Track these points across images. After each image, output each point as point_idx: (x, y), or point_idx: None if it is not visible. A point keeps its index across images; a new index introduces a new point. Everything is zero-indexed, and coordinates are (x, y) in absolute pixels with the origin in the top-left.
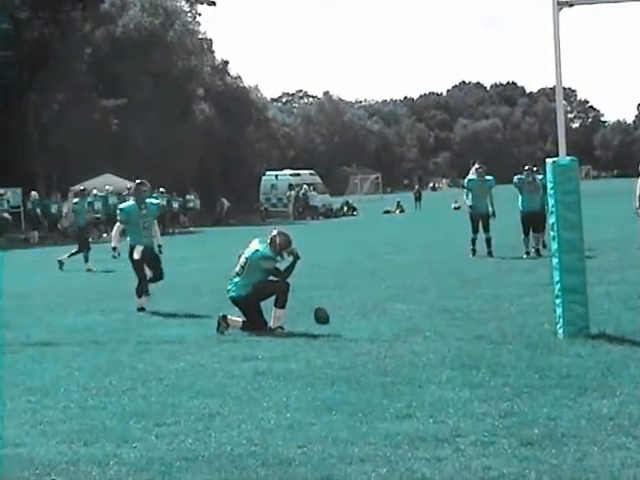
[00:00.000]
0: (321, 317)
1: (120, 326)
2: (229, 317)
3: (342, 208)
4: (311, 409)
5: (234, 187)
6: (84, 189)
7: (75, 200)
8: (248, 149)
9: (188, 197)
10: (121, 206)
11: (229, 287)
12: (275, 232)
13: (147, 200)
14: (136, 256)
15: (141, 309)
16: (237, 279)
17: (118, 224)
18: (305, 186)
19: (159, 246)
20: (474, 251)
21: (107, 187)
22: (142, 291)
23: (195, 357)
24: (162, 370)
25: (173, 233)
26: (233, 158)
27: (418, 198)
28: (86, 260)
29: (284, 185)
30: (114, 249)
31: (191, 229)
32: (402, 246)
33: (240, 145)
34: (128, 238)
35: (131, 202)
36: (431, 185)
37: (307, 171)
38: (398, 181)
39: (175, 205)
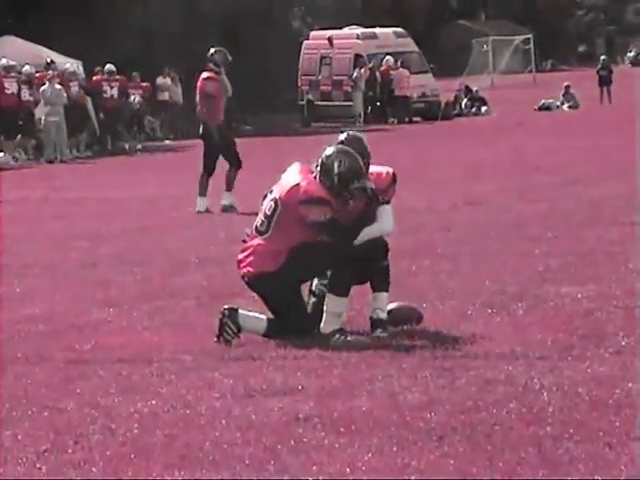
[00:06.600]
0: (403, 320)
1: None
2: (241, 312)
3: (458, 101)
4: None
5: (245, 59)
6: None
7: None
8: None
9: (160, 82)
10: None
11: (242, 256)
12: (332, 149)
13: None
14: None
15: None
16: (258, 241)
17: None
18: (388, 58)
19: None
20: None
21: (3, 60)
22: None
23: (175, 389)
24: (110, 416)
25: (132, 150)
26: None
27: (605, 80)
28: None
29: (346, 57)
30: None
31: (167, 142)
32: (574, 174)
33: None
34: None
35: None
36: (631, 54)
37: (390, 29)
38: (566, 47)
39: (136, 98)
